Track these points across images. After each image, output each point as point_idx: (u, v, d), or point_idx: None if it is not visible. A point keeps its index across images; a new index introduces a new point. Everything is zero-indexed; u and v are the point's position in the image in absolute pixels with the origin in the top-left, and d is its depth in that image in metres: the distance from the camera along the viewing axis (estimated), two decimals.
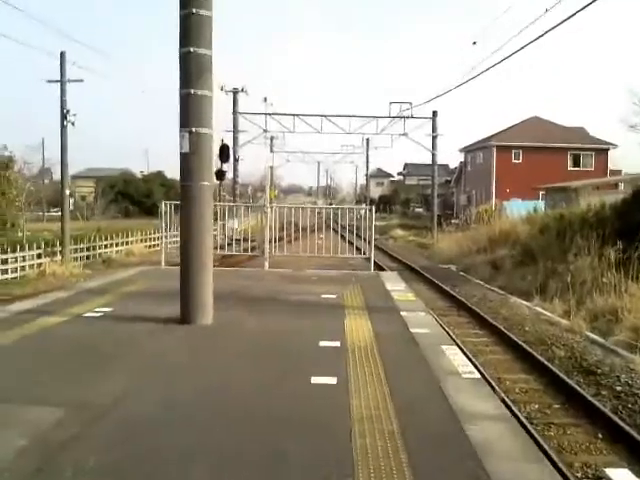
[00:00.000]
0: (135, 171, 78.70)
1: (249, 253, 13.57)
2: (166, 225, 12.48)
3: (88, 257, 24.87)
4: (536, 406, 8.78)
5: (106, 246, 26.20)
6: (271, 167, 69.32)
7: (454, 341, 7.95)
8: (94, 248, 25.31)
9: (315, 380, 5.13)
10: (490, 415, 4.52)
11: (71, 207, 51.26)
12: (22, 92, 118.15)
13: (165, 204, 12.52)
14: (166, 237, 12.90)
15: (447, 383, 5.14)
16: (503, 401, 6.61)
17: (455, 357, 6.03)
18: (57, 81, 23.27)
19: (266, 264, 12.49)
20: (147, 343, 6.48)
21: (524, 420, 7.58)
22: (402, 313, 8.17)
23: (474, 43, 20.35)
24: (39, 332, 6.79)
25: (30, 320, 7.31)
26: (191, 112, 7.04)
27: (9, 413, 4.36)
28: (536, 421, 8.07)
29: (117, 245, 26.94)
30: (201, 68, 7.05)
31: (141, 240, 28.49)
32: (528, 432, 5.86)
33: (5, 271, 20.61)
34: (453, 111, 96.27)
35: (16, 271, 20.98)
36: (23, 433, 3.94)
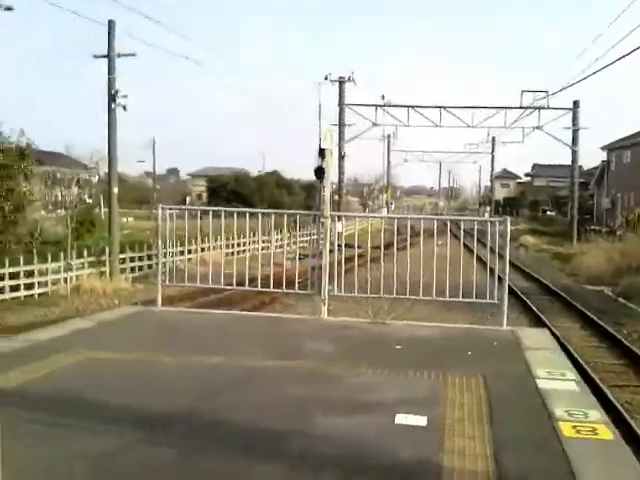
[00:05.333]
0: (252, 171, 75.95)
1: (295, 290, 7.87)
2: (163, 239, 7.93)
3: (150, 266, 20.50)
4: None
5: (176, 254, 21.74)
6: (388, 166, 64.30)
7: None
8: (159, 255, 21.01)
9: None
10: None
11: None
12: None
13: (162, 208, 7.87)
14: (164, 255, 8.24)
15: None
16: None
17: None
18: (104, 56, 19.19)
19: (324, 309, 7.38)
20: None
21: None
22: None
23: None
24: None
25: None
26: None
27: None
28: None
29: (190, 252, 22.42)
30: None
31: (222, 246, 23.85)
32: None
33: (31, 285, 16.32)
34: (588, 105, 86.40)
35: (46, 285, 16.71)
36: None
